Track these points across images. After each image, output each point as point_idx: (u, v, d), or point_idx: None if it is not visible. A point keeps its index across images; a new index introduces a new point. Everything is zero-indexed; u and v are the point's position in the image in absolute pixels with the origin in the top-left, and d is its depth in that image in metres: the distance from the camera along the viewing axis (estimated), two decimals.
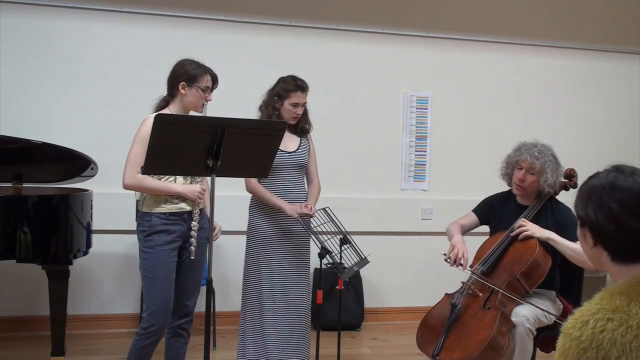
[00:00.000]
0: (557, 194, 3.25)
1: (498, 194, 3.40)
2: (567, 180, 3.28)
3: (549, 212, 3.16)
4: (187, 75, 2.99)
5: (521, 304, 2.95)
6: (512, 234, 3.09)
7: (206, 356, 2.54)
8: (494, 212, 3.34)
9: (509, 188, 3.35)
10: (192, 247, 2.96)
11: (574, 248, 2.96)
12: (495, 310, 2.87)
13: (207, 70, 3.03)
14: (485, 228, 3.40)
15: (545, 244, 3.03)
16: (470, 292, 3.03)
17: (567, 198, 3.27)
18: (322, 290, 3.34)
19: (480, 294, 2.99)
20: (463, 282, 3.10)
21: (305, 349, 3.40)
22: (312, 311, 3.52)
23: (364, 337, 4.66)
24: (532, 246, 3.01)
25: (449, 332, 2.91)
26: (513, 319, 2.88)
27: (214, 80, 3.06)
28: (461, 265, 3.07)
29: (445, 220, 3.59)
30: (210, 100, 3.05)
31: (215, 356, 4.05)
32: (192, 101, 3.01)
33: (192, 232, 2.97)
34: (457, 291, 3.10)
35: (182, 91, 2.99)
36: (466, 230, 3.39)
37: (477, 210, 3.42)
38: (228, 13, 4.68)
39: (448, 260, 3.11)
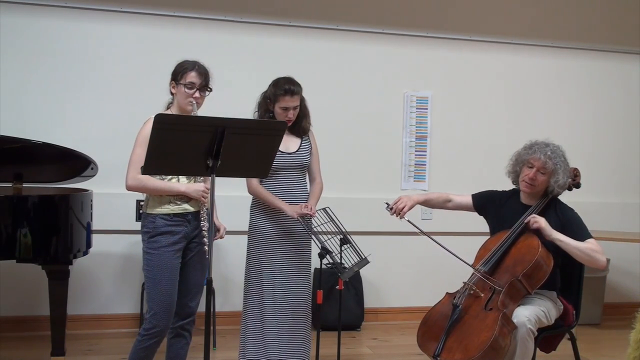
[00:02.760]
0: (559, 193, 3.23)
1: (502, 190, 3.38)
2: (570, 180, 3.24)
3: (551, 212, 3.15)
4: (174, 72, 2.97)
5: (522, 304, 2.95)
6: (525, 221, 3.05)
7: (206, 356, 2.53)
8: (493, 206, 3.31)
9: (512, 188, 3.34)
10: (205, 247, 2.93)
11: (581, 247, 2.96)
12: (497, 311, 2.86)
13: (194, 67, 2.94)
14: (484, 227, 3.39)
15: (547, 245, 3.03)
16: (471, 292, 3.01)
17: (570, 197, 3.27)
18: (322, 290, 3.34)
19: (482, 295, 2.98)
20: (464, 282, 3.10)
21: (306, 349, 3.41)
22: (312, 311, 3.52)
23: (364, 337, 4.66)
24: (534, 247, 3.00)
25: (450, 332, 2.90)
26: (515, 319, 2.87)
27: (202, 76, 2.94)
28: (399, 215, 3.18)
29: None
30: (197, 97, 2.94)
31: (215, 356, 4.05)
32: (180, 99, 2.96)
33: (204, 232, 2.93)
34: (458, 291, 3.09)
35: (173, 91, 2.99)
36: (452, 208, 3.42)
37: (476, 196, 3.39)
38: (228, 13, 4.68)
39: (389, 209, 3.21)
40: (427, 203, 3.40)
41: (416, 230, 3.12)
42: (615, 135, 5.42)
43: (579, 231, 3.05)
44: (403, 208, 3.19)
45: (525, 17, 5.21)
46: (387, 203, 3.25)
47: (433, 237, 3.07)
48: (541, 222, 3.02)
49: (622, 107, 5.44)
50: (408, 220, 3.16)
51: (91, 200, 3.69)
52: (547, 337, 3.11)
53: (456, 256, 3.03)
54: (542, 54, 5.25)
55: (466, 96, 5.13)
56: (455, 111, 5.12)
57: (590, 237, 3.04)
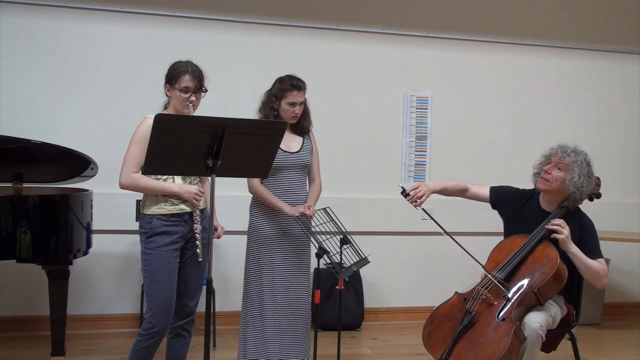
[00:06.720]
0: (580, 202, 3.13)
1: (522, 189, 3.29)
2: (595, 187, 3.16)
3: (570, 221, 3.03)
4: (168, 76, 2.96)
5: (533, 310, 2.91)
6: (547, 226, 2.98)
7: (206, 356, 2.54)
8: (511, 204, 3.24)
9: (527, 188, 3.26)
10: (197, 249, 2.94)
11: (590, 267, 2.94)
12: (510, 322, 2.79)
13: (188, 70, 2.91)
14: (496, 227, 3.35)
15: (562, 254, 2.97)
16: (484, 298, 2.93)
17: (590, 209, 3.20)
18: (322, 290, 3.34)
19: (495, 303, 2.90)
20: (477, 287, 3.00)
21: (306, 349, 3.40)
22: (311, 311, 3.52)
23: (364, 337, 4.66)
24: (552, 259, 2.92)
25: (459, 338, 2.84)
26: (526, 325, 2.82)
27: (196, 79, 2.91)
28: (415, 202, 3.08)
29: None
30: (192, 100, 2.92)
31: (215, 356, 4.05)
32: (176, 103, 2.96)
33: (196, 235, 2.94)
34: (469, 293, 3.01)
35: (168, 94, 2.98)
36: (468, 197, 3.34)
37: (494, 190, 3.31)
38: (228, 13, 4.68)
39: (406, 194, 3.10)
40: (444, 192, 3.31)
41: (426, 216, 3.07)
42: (614, 135, 5.41)
43: (593, 248, 3.01)
44: (422, 197, 3.10)
45: (525, 17, 5.21)
46: (402, 187, 3.13)
47: (453, 236, 3.02)
48: (563, 234, 2.92)
49: (622, 107, 5.44)
50: (423, 209, 3.08)
51: (91, 200, 3.69)
52: (547, 337, 3.09)
53: (474, 258, 2.97)
54: (542, 54, 5.24)
55: (466, 96, 5.13)
56: (455, 111, 5.12)
57: (601, 256, 3.00)
